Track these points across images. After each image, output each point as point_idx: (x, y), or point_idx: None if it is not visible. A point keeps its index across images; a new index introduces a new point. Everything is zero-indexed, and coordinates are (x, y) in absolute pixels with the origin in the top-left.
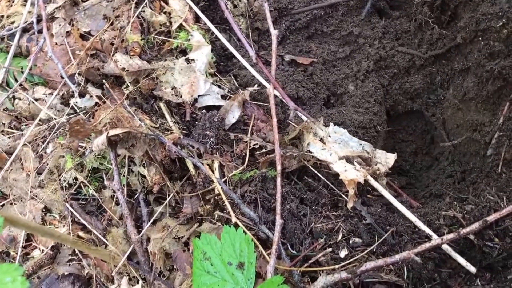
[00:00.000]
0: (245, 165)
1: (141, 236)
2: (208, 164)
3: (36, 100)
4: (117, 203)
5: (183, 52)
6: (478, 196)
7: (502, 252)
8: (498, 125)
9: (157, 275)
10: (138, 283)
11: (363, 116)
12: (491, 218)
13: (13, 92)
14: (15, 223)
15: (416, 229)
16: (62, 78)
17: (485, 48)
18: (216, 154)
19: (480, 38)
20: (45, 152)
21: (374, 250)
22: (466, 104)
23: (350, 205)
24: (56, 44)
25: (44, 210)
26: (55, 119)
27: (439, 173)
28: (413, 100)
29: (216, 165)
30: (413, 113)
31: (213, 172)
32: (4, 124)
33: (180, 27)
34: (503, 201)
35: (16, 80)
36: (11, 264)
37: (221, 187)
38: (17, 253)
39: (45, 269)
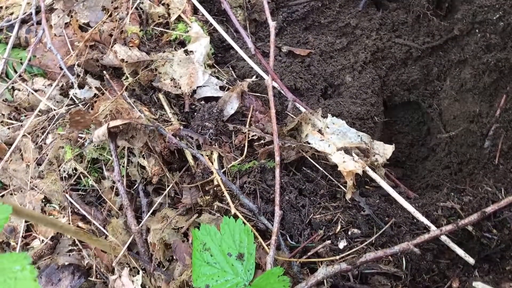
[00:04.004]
0: (244, 156)
1: (141, 226)
2: (207, 155)
3: (36, 91)
4: (117, 194)
5: (182, 43)
6: (475, 187)
7: (500, 243)
8: (495, 117)
9: (156, 265)
10: (138, 273)
11: (361, 107)
12: (489, 209)
13: (13, 83)
14: (19, 213)
15: (415, 220)
16: (61, 69)
17: (482, 40)
18: (215, 145)
19: (477, 30)
20: (45, 143)
21: (373, 241)
22: (463, 96)
23: (348, 196)
24: (55, 35)
25: (43, 200)
26: (55, 110)
27: (435, 164)
28: (410, 91)
29: (215, 156)
30: (410, 104)
31: (212, 163)
32: (3, 115)
33: (179, 19)
34: (501, 192)
35: (16, 71)
36: (20, 253)
37: (220, 178)
38: (17, 243)
39: (45, 259)
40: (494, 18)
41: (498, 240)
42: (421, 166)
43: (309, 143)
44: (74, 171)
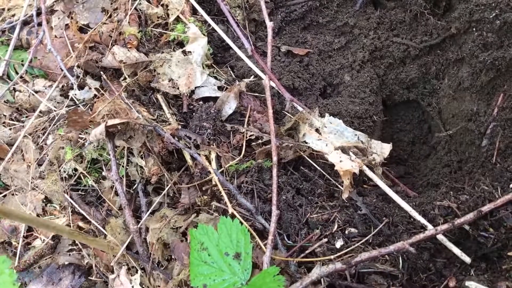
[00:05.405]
0: (241, 155)
1: (140, 226)
2: (205, 155)
3: (36, 92)
4: (117, 194)
5: (180, 44)
6: (473, 186)
7: (496, 242)
8: (492, 115)
9: (155, 265)
10: (137, 272)
11: (359, 106)
12: (486, 208)
13: (14, 84)
14: (10, 215)
15: (412, 219)
16: (62, 70)
17: (479, 39)
18: (213, 145)
19: (474, 29)
20: (46, 144)
21: (370, 240)
22: (461, 94)
23: (345, 195)
24: (56, 37)
25: (44, 200)
26: (55, 111)
27: (436, 163)
28: (409, 90)
29: (213, 156)
30: (410, 103)
31: (210, 163)
32: (5, 116)
33: (177, 19)
34: (498, 191)
35: (17, 73)
36: None
37: (218, 178)
38: (18, 243)
39: (46, 259)
40: (491, 16)
41: (494, 239)
42: (423, 164)
43: (306, 143)
44: (74, 171)
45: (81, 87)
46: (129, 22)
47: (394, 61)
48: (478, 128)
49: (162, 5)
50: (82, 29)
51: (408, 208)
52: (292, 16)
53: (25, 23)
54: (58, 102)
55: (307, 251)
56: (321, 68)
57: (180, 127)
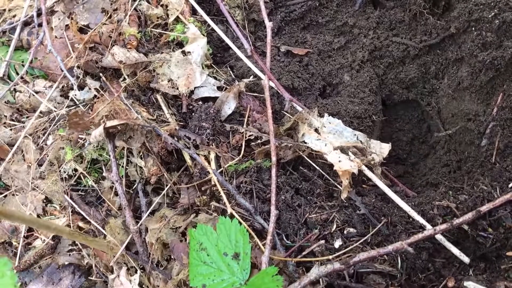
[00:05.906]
0: (241, 156)
1: (139, 226)
2: (204, 155)
3: (37, 92)
4: (116, 194)
5: (180, 44)
6: (472, 186)
7: (495, 242)
8: (492, 115)
9: (154, 265)
10: (136, 272)
11: (358, 106)
12: (484, 208)
13: (14, 85)
14: (10, 216)
15: (410, 219)
16: (62, 71)
17: (478, 38)
18: (213, 145)
19: (473, 29)
20: (46, 144)
21: (369, 240)
22: (461, 94)
23: (344, 195)
24: (56, 37)
25: (45, 200)
26: (55, 111)
27: (435, 162)
28: (409, 90)
29: (212, 156)
30: (409, 102)
31: (209, 163)
32: (5, 116)
33: (177, 20)
34: (496, 191)
35: (17, 73)
36: (0, 259)
37: (217, 178)
38: (19, 243)
39: (46, 259)
40: (490, 16)
41: (493, 239)
42: (422, 164)
43: (305, 143)
44: (74, 172)
45: (81, 87)
46: (129, 23)
47: (394, 60)
48: (478, 128)
49: (162, 6)
50: (82, 30)
51: (407, 208)
52: (291, 16)
53: (26, 23)
54: (58, 103)
55: (305, 251)
56: (321, 68)
57: (179, 127)
